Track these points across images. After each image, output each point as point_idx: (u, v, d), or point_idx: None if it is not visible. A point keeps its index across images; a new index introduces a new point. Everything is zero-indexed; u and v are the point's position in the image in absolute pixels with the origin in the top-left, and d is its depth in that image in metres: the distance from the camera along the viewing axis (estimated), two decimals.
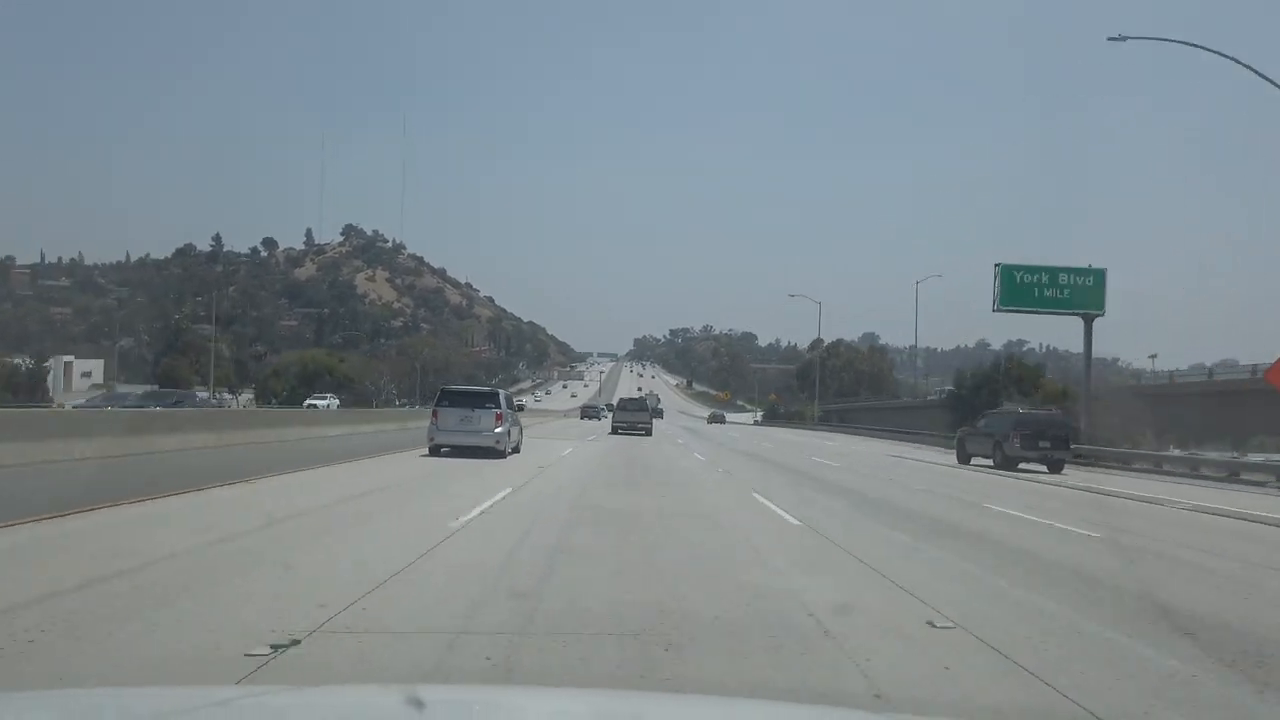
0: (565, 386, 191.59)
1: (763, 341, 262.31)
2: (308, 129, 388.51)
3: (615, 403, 55.38)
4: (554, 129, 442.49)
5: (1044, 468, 25.52)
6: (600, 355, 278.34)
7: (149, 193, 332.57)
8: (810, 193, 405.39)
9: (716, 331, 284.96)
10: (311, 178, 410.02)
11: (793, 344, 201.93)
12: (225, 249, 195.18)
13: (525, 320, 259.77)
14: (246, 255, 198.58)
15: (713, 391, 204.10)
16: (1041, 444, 25.36)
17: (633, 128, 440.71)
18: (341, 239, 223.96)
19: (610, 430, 41.81)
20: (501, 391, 23.12)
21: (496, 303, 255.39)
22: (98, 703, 2.26)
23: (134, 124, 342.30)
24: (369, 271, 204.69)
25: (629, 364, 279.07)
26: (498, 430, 20.60)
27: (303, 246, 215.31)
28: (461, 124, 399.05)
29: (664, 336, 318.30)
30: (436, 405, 21.31)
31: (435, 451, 20.55)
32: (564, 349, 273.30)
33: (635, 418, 40.82)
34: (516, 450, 22.23)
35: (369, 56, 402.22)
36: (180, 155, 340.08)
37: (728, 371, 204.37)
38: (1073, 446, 26.14)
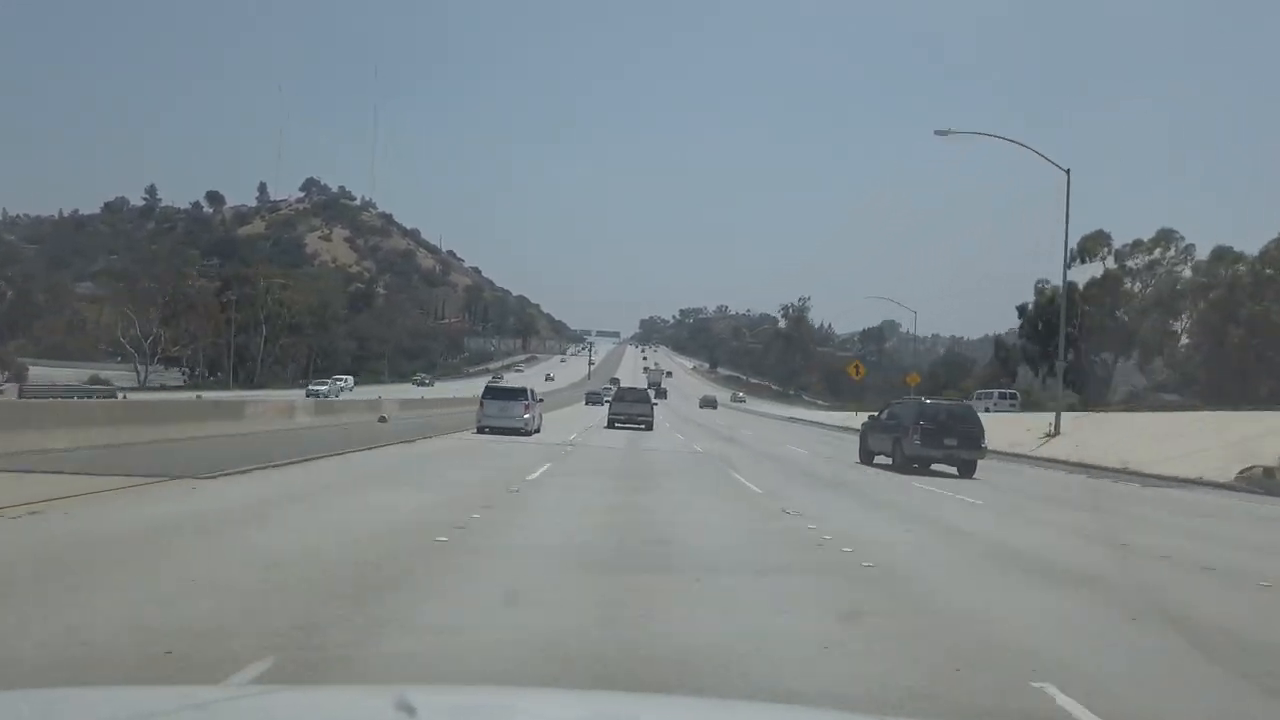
0: (499, 377, 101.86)
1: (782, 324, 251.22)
2: (268, 77, 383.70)
3: (613, 392, 55.60)
4: (554, 118, 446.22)
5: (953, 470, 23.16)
6: (599, 334, 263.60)
7: (113, 151, 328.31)
8: (813, 182, 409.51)
9: (733, 311, 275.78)
10: (274, 131, 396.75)
11: (826, 325, 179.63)
12: (162, 204, 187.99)
13: (515, 294, 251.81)
14: (185, 211, 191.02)
15: (752, 379, 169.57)
16: (947, 441, 22.99)
17: (634, 112, 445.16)
18: (301, 194, 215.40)
19: (606, 424, 41.82)
20: (529, 388, 32.80)
21: (484, 274, 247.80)
22: (60, 705, 2.24)
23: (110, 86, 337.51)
24: (324, 230, 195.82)
25: (632, 345, 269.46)
26: (526, 416, 29.79)
27: (255, 202, 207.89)
28: (460, 115, 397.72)
29: (673, 317, 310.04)
30: (483, 398, 31.07)
31: (481, 431, 29.19)
32: (558, 327, 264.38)
33: (634, 410, 42.42)
34: (538, 431, 31.43)
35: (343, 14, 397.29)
36: (132, 105, 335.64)
37: (788, 342, 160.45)
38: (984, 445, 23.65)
